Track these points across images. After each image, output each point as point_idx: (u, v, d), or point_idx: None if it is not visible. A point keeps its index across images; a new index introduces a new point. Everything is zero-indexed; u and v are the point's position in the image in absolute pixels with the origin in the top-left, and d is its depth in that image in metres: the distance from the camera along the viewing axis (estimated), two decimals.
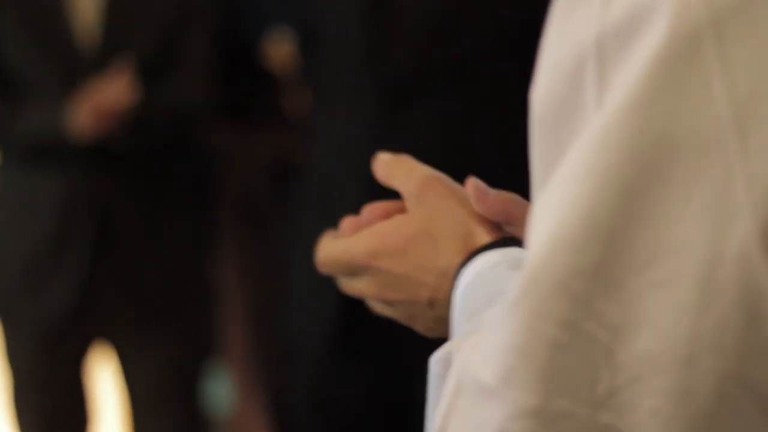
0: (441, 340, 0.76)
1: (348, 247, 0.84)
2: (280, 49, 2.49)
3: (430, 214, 0.82)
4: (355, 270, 0.84)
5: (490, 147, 2.00)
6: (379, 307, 0.86)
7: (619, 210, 0.52)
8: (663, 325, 0.51)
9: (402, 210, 0.85)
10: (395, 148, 2.02)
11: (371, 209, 0.86)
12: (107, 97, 2.32)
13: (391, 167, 0.88)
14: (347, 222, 0.87)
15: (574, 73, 0.55)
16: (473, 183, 0.83)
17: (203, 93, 2.48)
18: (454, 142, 1.99)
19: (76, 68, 2.38)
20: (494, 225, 0.82)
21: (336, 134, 2.11)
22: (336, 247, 0.85)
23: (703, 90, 0.51)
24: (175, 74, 2.44)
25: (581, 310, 0.53)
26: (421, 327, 0.84)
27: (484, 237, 0.80)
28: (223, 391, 3.18)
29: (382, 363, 2.09)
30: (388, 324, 2.22)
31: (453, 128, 2.00)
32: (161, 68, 2.43)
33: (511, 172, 1.82)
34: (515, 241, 0.78)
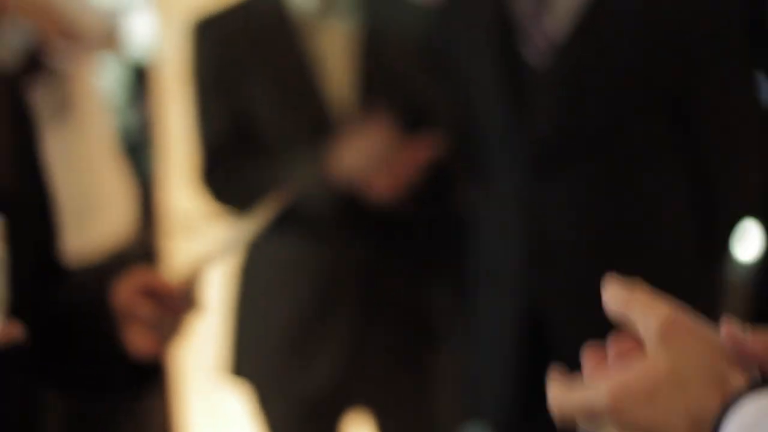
0: None
1: (589, 396, 0.81)
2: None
3: (679, 357, 0.80)
4: (597, 416, 0.81)
5: (638, 207, 1.98)
6: None
7: None
8: None
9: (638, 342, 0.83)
10: (545, 216, 2.02)
11: (618, 342, 0.85)
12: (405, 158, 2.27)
13: (628, 299, 0.84)
14: (591, 354, 0.85)
15: None
16: (729, 330, 0.81)
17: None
18: (602, 206, 2.01)
19: (326, 128, 2.32)
20: (744, 364, 0.80)
21: (491, 210, 2.17)
22: (574, 398, 0.83)
23: None
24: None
25: None
26: None
27: (738, 380, 0.78)
28: None
29: None
30: None
31: (599, 192, 2.03)
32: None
33: (660, 231, 1.79)
34: None
